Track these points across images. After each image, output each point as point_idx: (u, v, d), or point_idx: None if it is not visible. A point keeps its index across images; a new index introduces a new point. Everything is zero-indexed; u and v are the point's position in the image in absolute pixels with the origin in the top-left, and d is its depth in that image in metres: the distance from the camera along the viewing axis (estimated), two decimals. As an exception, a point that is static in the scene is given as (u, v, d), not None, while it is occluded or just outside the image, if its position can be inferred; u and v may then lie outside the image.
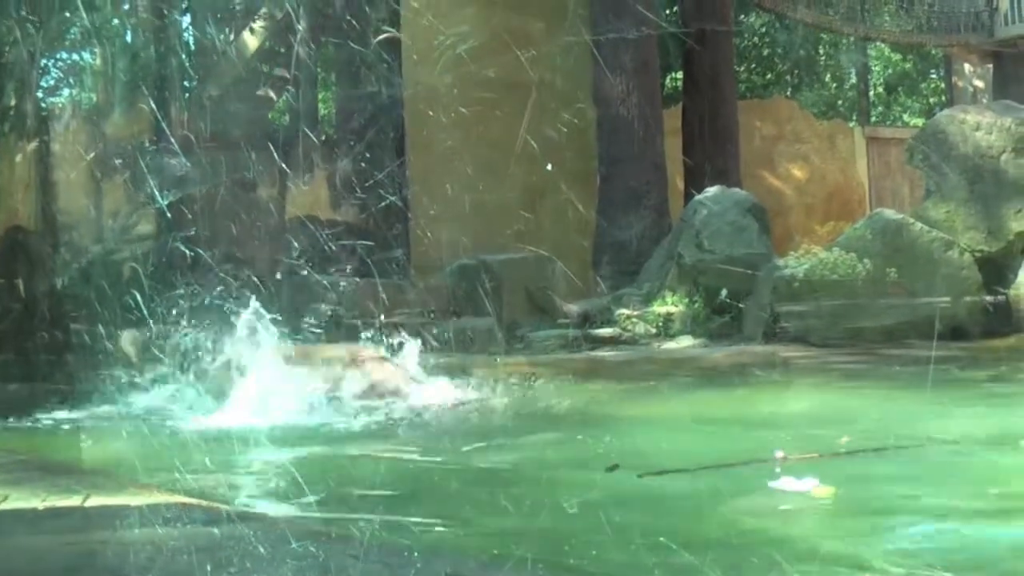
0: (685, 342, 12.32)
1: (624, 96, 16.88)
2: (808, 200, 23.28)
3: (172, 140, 16.67)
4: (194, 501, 3.98)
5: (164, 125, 17.57)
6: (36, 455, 5.86)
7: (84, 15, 18.00)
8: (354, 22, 18.19)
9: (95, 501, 4.01)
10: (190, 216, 14.84)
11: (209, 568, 3.07)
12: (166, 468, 5.08)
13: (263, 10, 21.36)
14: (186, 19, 22.87)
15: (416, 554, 3.28)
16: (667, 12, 24.81)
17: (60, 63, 22.04)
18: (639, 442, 6.26)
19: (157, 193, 14.76)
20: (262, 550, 3.23)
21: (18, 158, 16.17)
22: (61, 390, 8.72)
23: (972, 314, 11.69)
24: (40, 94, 19.32)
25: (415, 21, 18.07)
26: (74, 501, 4.03)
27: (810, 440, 5.75)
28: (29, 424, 7.55)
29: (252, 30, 21.21)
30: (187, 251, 12.58)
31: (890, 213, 12.49)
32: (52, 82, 21.93)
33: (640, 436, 6.53)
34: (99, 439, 6.63)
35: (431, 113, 17.40)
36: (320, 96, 25.48)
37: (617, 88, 16.91)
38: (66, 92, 22.23)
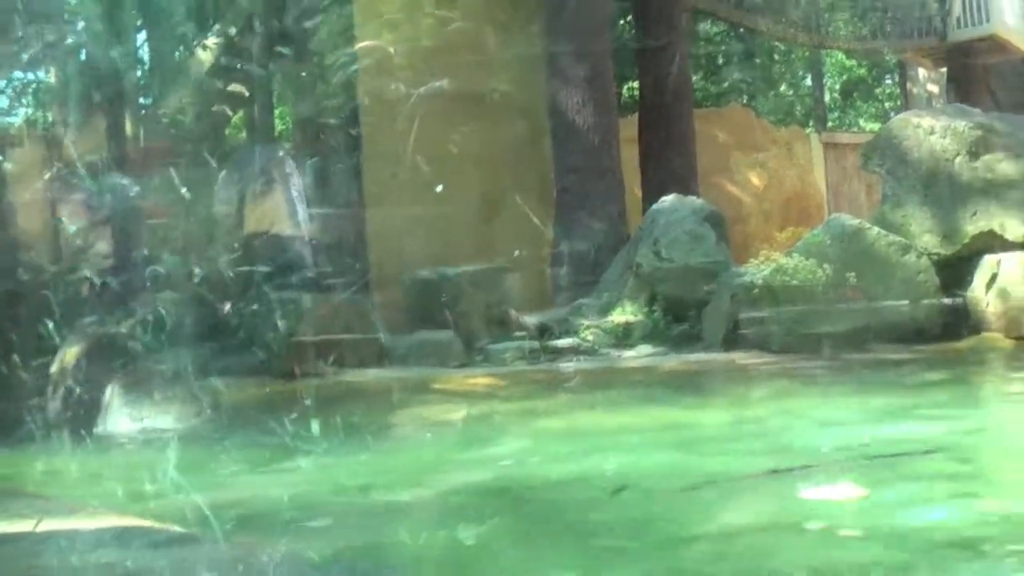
0: (644, 351, 12.31)
1: (579, 106, 16.87)
2: (766, 207, 23.30)
3: (127, 158, 16.58)
4: (147, 523, 3.94)
5: (119, 143, 17.47)
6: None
7: (39, 34, 17.90)
8: (308, 35, 18.15)
9: (47, 526, 3.95)
10: (144, 233, 14.73)
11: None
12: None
13: (217, 27, 21.27)
14: (140, 36, 22.82)
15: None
16: (621, 21, 24.89)
17: (13, 82, 21.93)
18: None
19: (111, 212, 14.65)
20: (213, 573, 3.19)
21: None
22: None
23: (930, 317, 11.72)
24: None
25: (369, 33, 18.03)
26: (25, 526, 3.97)
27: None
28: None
29: (205, 47, 21.12)
30: (151, 271, 12.53)
31: (847, 218, 12.51)
32: (6, 101, 21.81)
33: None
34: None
35: (386, 125, 17.36)
36: (277, 111, 25.42)
37: (571, 98, 16.90)
38: (20, 111, 22.11)
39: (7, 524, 4.01)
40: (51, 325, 10.11)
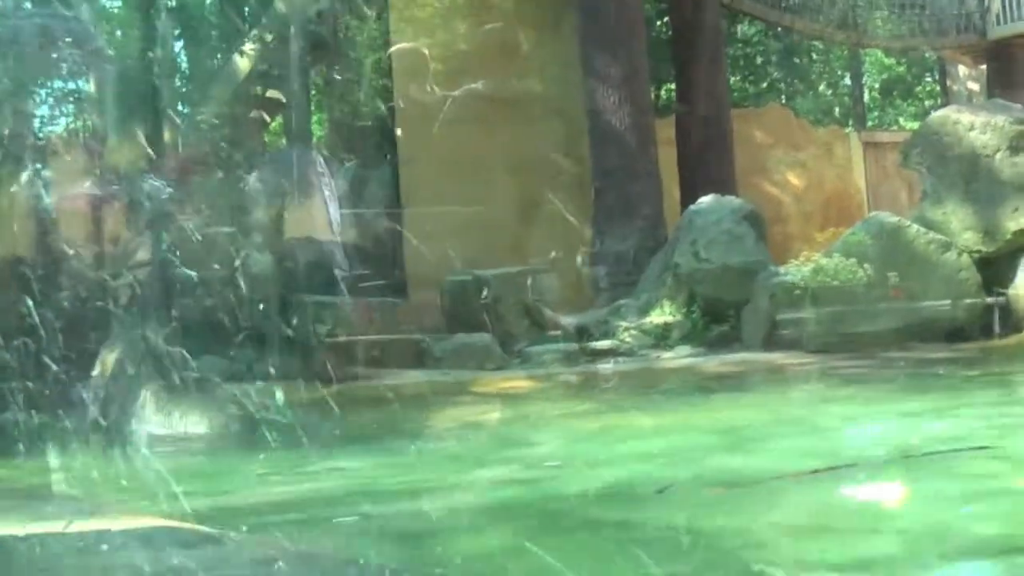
0: (683, 352, 12.25)
1: (615, 107, 16.81)
2: (806, 207, 23.16)
3: (165, 164, 16.62)
4: (176, 523, 3.91)
5: (158, 150, 17.52)
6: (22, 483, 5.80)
7: (78, 43, 17.95)
8: (345, 41, 18.17)
9: (77, 527, 3.94)
10: (182, 240, 14.76)
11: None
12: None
13: (254, 32, 21.32)
14: (179, 44, 22.91)
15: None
16: (658, 23, 24.81)
17: (55, 91, 22.00)
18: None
19: (151, 219, 14.68)
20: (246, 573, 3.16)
21: (14, 188, 16.10)
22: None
23: (971, 315, 11.61)
24: (36, 123, 19.28)
25: (404, 37, 18.04)
26: (56, 527, 3.95)
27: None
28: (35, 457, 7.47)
29: (243, 53, 21.17)
30: (184, 276, 12.53)
31: (886, 216, 12.42)
32: (47, 110, 21.89)
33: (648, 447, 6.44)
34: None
35: (422, 129, 17.36)
36: (315, 118, 25.46)
37: (608, 99, 16.84)
38: (61, 120, 22.19)
39: (37, 525, 4.00)
40: (89, 330, 10.15)
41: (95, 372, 9.60)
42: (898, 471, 5.09)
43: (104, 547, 3.61)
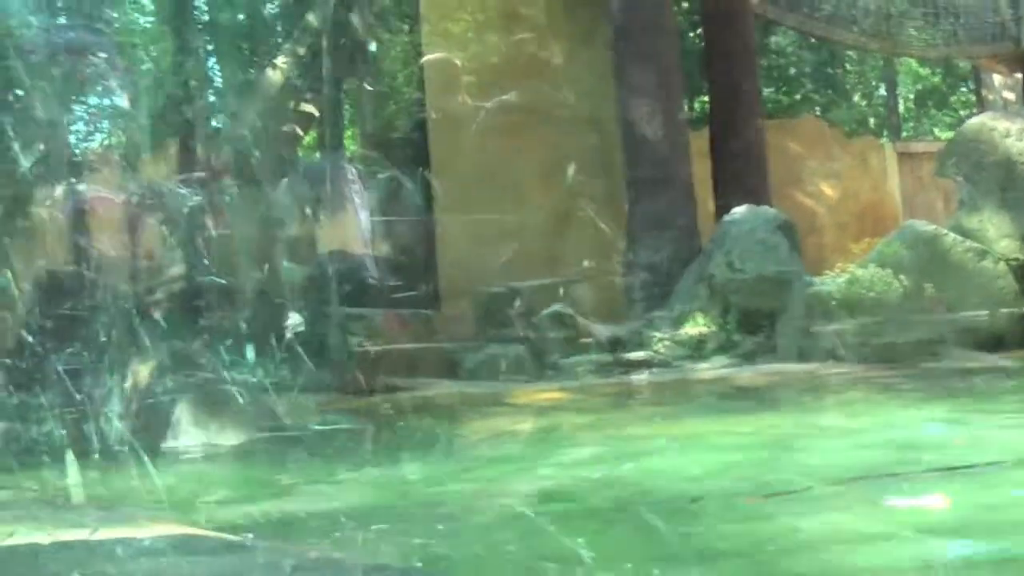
0: (718, 363, 12.18)
1: (649, 118, 16.74)
2: (841, 218, 23.07)
3: (199, 179, 16.68)
4: (202, 532, 3.89)
5: (191, 165, 17.59)
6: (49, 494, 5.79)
7: (112, 59, 18.05)
8: (377, 54, 18.19)
9: (103, 534, 3.91)
10: (218, 254, 14.80)
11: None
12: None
13: (287, 46, 21.38)
14: (212, 59, 22.99)
15: None
16: (691, 35, 24.77)
17: (89, 106, 22.11)
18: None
19: (187, 232, 14.74)
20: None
21: (49, 202, 16.19)
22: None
23: (1010, 324, 11.50)
24: (72, 138, 19.38)
25: (437, 48, 18.05)
26: (81, 534, 3.93)
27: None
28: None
29: (276, 66, 21.23)
30: (220, 288, 12.57)
31: (921, 224, 12.32)
32: (82, 125, 22.00)
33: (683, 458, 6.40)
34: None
35: (456, 140, 17.36)
36: (348, 132, 25.52)
37: (642, 110, 16.78)
38: (95, 135, 22.30)
39: (63, 532, 3.98)
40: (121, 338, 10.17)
41: (127, 383, 9.62)
42: (938, 482, 5.03)
43: (128, 554, 3.58)
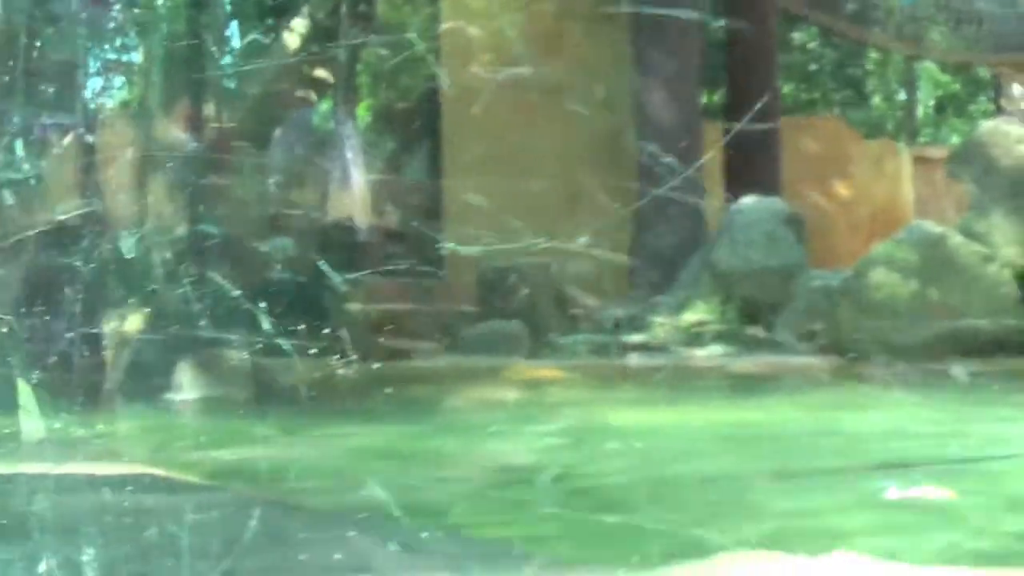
0: (717, 351, 12.17)
1: (664, 104, 16.71)
2: (853, 219, 22.98)
3: (209, 140, 16.67)
4: (166, 473, 3.86)
5: (202, 126, 17.56)
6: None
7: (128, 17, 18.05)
8: (394, 25, 18.12)
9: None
10: (226, 215, 14.79)
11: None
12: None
13: (304, 10, 21.33)
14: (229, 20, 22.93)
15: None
16: (714, 27, 24.69)
17: (103, 61, 22.09)
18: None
19: (189, 188, 14.71)
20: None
21: (63, 156, 16.20)
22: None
23: (1011, 330, 11.44)
24: (87, 92, 19.35)
25: (454, 23, 17.98)
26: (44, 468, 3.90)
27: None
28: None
29: (292, 30, 21.19)
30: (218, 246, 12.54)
31: (928, 225, 12.27)
32: (96, 80, 21.98)
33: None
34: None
35: (468, 117, 17.31)
36: (363, 104, 25.45)
37: (657, 95, 16.75)
38: (110, 90, 22.28)
39: (27, 466, 3.95)
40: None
41: (120, 332, 9.62)
42: (937, 474, 4.99)
43: (90, 488, 3.56)
